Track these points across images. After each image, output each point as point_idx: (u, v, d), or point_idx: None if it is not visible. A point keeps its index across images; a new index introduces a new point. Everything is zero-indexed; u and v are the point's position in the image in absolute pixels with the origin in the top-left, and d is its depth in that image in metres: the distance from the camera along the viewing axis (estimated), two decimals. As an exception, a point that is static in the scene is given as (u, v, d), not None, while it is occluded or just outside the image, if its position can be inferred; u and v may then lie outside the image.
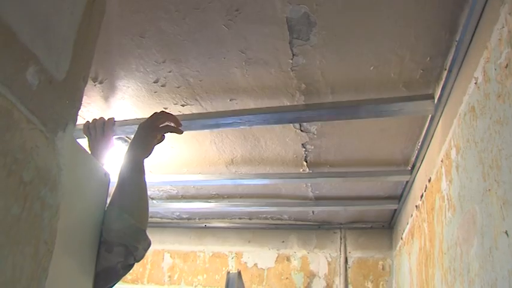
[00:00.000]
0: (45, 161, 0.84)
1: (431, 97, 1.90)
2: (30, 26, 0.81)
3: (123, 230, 1.35)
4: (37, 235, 0.82)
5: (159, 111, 1.66)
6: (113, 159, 2.01)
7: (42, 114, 0.83)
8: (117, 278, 1.34)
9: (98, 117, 2.10)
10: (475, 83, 1.46)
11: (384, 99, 1.93)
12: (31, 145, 0.80)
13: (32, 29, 0.81)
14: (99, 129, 2.03)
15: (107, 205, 1.37)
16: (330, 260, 3.76)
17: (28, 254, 0.79)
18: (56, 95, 0.89)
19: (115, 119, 2.19)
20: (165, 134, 1.67)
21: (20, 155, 0.77)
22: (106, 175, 1.35)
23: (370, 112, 1.96)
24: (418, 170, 2.45)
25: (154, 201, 3.56)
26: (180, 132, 1.67)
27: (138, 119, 2.32)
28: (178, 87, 2.04)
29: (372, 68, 1.80)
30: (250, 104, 2.11)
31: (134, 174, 1.51)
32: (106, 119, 2.16)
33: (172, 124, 1.66)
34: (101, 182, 1.32)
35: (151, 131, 1.62)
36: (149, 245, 1.42)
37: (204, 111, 2.21)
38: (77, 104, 0.98)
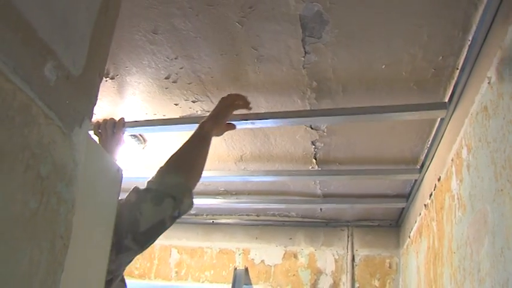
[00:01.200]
0: (61, 156, 0.85)
1: (444, 106, 1.91)
2: (48, 22, 0.81)
3: (174, 183, 1.48)
4: (53, 230, 0.83)
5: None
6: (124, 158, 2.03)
7: (59, 109, 0.84)
8: (164, 230, 1.44)
9: (108, 118, 2.12)
10: (488, 83, 1.46)
11: (395, 107, 1.96)
12: (48, 140, 0.81)
13: (51, 25, 0.82)
14: (110, 130, 2.07)
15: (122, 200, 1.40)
16: (337, 257, 3.76)
17: (45, 248, 0.80)
18: (73, 90, 0.90)
19: (125, 119, 2.22)
20: (235, 125, 1.97)
21: (38, 150, 0.78)
22: (119, 171, 1.35)
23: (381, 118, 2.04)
24: (427, 168, 2.45)
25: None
26: (249, 108, 1.92)
27: (148, 120, 2.34)
28: (189, 84, 2.05)
29: (383, 66, 1.80)
30: (261, 101, 2.12)
31: (200, 144, 1.69)
32: (116, 119, 2.18)
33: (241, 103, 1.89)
34: (113, 177, 1.33)
35: (226, 108, 1.85)
36: (192, 205, 1.53)
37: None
38: (93, 100, 0.99)
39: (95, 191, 1.23)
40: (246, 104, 1.90)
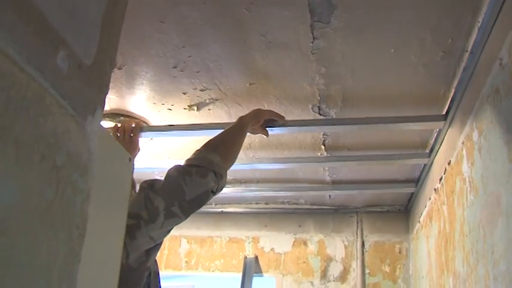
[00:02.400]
0: (76, 145, 0.85)
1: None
2: (59, 11, 0.81)
3: (216, 161, 1.58)
4: (69, 220, 0.83)
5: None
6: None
7: (72, 98, 0.84)
8: (206, 201, 1.56)
9: (127, 120, 2.15)
10: (500, 64, 1.45)
11: (402, 118, 2.10)
12: (63, 130, 0.81)
13: (62, 14, 0.82)
14: (127, 134, 2.10)
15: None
16: (346, 243, 3.77)
17: (62, 238, 0.80)
18: (85, 79, 0.89)
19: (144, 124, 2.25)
20: (268, 132, 2.10)
21: (52, 139, 0.78)
22: (131, 160, 1.36)
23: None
24: (436, 152, 2.44)
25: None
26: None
27: (171, 125, 2.39)
28: (197, 72, 2.05)
29: (392, 50, 1.79)
30: (270, 88, 2.11)
31: (237, 133, 1.82)
32: (133, 124, 2.21)
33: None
34: (126, 166, 1.33)
35: (267, 110, 2.09)
36: (225, 184, 1.65)
37: (223, 95, 2.21)
38: (104, 89, 0.99)
39: (108, 181, 1.23)
40: (281, 119, 2.10)
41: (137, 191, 1.54)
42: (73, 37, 0.85)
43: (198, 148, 1.66)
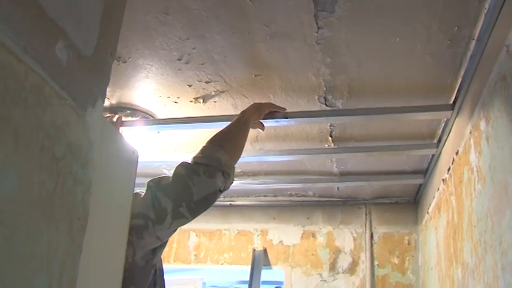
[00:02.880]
0: (76, 136, 0.84)
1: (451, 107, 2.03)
2: (58, 1, 0.80)
3: (223, 160, 1.57)
4: (70, 211, 0.82)
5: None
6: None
7: (72, 89, 0.83)
8: (214, 202, 1.56)
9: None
10: (507, 51, 1.43)
11: (407, 108, 2.11)
12: (62, 121, 0.80)
13: (60, 4, 0.81)
14: None
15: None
16: (355, 235, 3.76)
17: (62, 229, 0.80)
18: (85, 70, 0.89)
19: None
20: (263, 126, 2.08)
21: (52, 130, 0.77)
22: (134, 152, 1.35)
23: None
24: (444, 143, 2.42)
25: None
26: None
27: (176, 118, 2.41)
28: (202, 64, 2.04)
29: (398, 39, 1.77)
30: (275, 79, 2.10)
31: (241, 129, 1.81)
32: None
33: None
34: (129, 159, 1.33)
35: (267, 104, 2.07)
36: (232, 182, 1.64)
37: (229, 87, 2.20)
38: (105, 80, 0.98)
39: (111, 173, 1.22)
40: (281, 110, 2.11)
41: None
42: (72, 28, 0.84)
43: (204, 144, 1.64)
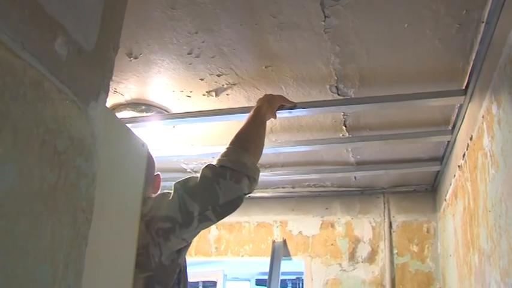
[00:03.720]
0: (78, 130, 0.86)
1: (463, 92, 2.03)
2: (56, -1, 0.82)
3: (250, 164, 1.58)
4: (74, 203, 0.84)
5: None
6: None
7: (73, 84, 0.85)
8: (238, 206, 1.55)
9: None
10: (514, 33, 1.41)
11: (419, 94, 2.09)
12: (63, 115, 0.82)
13: (58, 1, 0.82)
14: None
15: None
16: (374, 224, 3.75)
17: (66, 222, 0.81)
18: (86, 65, 0.90)
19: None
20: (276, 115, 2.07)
21: (53, 124, 0.79)
22: (144, 145, 1.37)
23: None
24: (459, 128, 2.40)
25: (197, 173, 3.57)
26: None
27: (191, 112, 2.43)
28: (212, 57, 2.05)
29: (406, 25, 1.76)
30: (286, 70, 2.10)
31: (261, 126, 1.81)
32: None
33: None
34: (138, 152, 1.34)
35: (278, 96, 2.07)
36: (257, 185, 1.64)
37: (240, 80, 2.21)
38: (108, 74, 1.00)
39: (120, 166, 1.24)
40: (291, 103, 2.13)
41: (170, 191, 1.56)
42: (72, 23, 0.86)
43: (228, 146, 1.64)
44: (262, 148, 1.75)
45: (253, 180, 1.58)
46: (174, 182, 1.57)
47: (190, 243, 1.56)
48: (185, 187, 1.52)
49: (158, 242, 1.44)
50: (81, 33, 0.89)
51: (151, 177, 1.65)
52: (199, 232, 1.55)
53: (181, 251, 1.53)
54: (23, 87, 0.73)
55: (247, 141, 1.67)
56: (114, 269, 1.16)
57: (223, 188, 1.50)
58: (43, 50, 0.78)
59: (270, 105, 1.94)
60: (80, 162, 0.86)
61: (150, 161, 1.65)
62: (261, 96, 1.99)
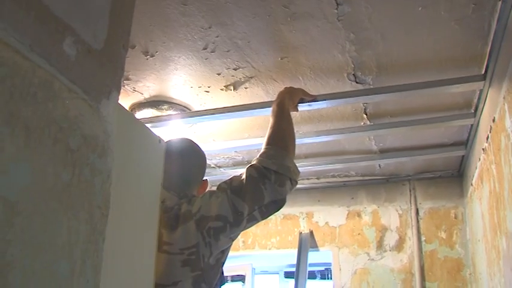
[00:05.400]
0: (91, 128, 0.87)
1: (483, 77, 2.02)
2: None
3: (292, 167, 1.61)
4: (90, 200, 0.85)
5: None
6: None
7: (83, 83, 0.86)
8: (281, 207, 1.58)
9: None
10: (530, 10, 1.38)
11: (438, 82, 2.08)
12: (75, 114, 0.83)
13: (65, 2, 0.84)
14: None
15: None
16: (400, 212, 3.72)
17: (82, 218, 0.82)
18: (96, 64, 0.91)
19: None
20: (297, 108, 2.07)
21: (65, 123, 0.80)
22: (161, 141, 1.38)
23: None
24: (481, 111, 2.36)
25: (221, 169, 3.61)
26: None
27: (212, 109, 2.43)
28: (227, 51, 2.05)
29: (420, 8, 1.74)
30: (302, 60, 2.10)
31: (291, 123, 1.79)
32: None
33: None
34: (155, 148, 1.36)
35: (298, 89, 2.06)
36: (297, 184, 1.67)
37: (257, 72, 2.21)
38: (119, 72, 1.01)
39: (137, 163, 1.26)
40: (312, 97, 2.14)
41: (216, 190, 1.59)
42: (80, 23, 0.87)
43: (267, 146, 1.65)
44: (295, 144, 1.76)
45: (294, 182, 1.61)
46: (220, 183, 1.59)
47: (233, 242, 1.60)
48: (232, 187, 1.55)
49: (209, 241, 1.47)
50: (90, 33, 0.90)
51: (201, 177, 1.75)
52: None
53: (225, 250, 1.56)
54: (32, 88, 0.74)
55: (285, 141, 1.69)
56: (133, 264, 1.17)
57: (268, 188, 1.53)
58: (51, 50, 0.79)
59: (290, 99, 1.93)
60: (93, 160, 0.87)
61: (202, 161, 1.77)
62: (281, 89, 1.97)
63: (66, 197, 0.79)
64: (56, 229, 0.76)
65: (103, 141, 0.91)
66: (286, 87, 2.00)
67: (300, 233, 3.93)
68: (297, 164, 3.31)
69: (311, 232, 3.92)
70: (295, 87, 2.06)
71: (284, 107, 1.83)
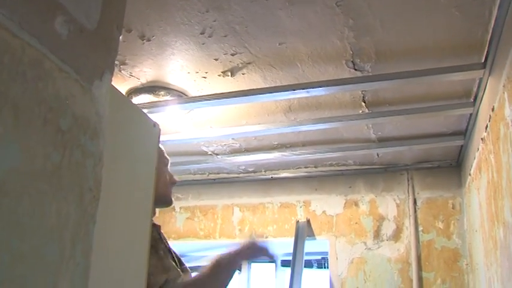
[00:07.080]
0: (82, 109, 0.85)
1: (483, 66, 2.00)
2: (54, -23, 0.81)
3: None
4: (80, 182, 0.83)
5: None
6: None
7: (75, 63, 0.84)
8: None
9: None
10: (531, -4, 1.36)
11: (438, 69, 2.07)
12: (66, 94, 0.81)
13: (56, -20, 0.82)
14: None
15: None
16: (398, 202, 3.71)
17: (72, 201, 0.81)
18: (89, 44, 0.89)
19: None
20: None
21: (55, 103, 0.78)
22: (155, 125, 1.37)
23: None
24: (481, 100, 2.35)
25: (218, 156, 3.60)
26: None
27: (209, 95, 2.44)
28: (225, 36, 2.03)
29: (420, -6, 1.72)
30: (300, 46, 2.07)
31: (226, 273, 1.83)
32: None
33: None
34: (150, 132, 1.34)
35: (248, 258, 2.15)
36: None
37: (255, 58, 2.19)
38: (112, 53, 0.99)
39: (131, 146, 1.24)
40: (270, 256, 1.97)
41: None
42: (72, 2, 0.85)
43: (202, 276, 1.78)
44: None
45: None
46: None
47: None
48: None
49: None
50: (82, 12, 0.88)
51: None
52: None
53: None
54: (22, 67, 0.72)
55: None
56: (126, 248, 1.16)
57: None
58: (42, 29, 0.77)
59: (247, 255, 1.97)
60: (85, 141, 0.86)
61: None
62: (245, 242, 1.94)
63: (56, 179, 0.77)
64: (45, 211, 0.75)
65: (95, 122, 0.89)
66: (251, 242, 1.95)
67: (297, 222, 3.92)
68: (294, 152, 3.33)
69: (308, 221, 3.91)
70: (261, 244, 1.96)
71: (235, 262, 1.87)
